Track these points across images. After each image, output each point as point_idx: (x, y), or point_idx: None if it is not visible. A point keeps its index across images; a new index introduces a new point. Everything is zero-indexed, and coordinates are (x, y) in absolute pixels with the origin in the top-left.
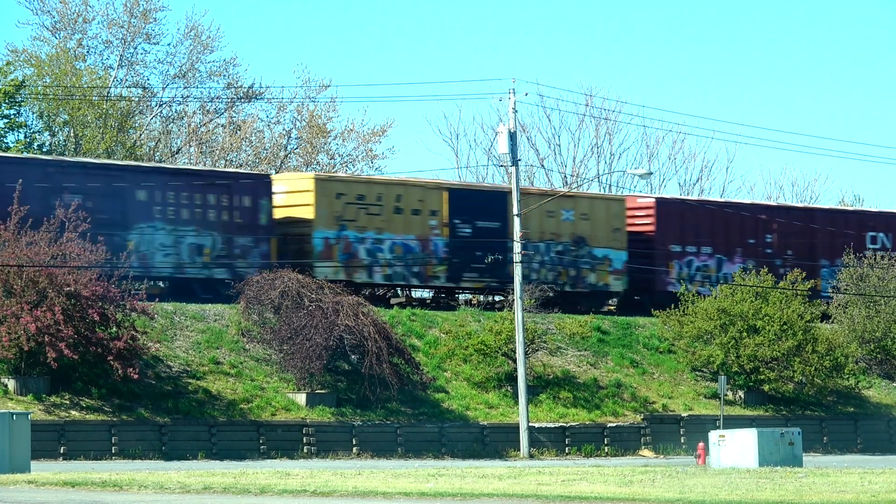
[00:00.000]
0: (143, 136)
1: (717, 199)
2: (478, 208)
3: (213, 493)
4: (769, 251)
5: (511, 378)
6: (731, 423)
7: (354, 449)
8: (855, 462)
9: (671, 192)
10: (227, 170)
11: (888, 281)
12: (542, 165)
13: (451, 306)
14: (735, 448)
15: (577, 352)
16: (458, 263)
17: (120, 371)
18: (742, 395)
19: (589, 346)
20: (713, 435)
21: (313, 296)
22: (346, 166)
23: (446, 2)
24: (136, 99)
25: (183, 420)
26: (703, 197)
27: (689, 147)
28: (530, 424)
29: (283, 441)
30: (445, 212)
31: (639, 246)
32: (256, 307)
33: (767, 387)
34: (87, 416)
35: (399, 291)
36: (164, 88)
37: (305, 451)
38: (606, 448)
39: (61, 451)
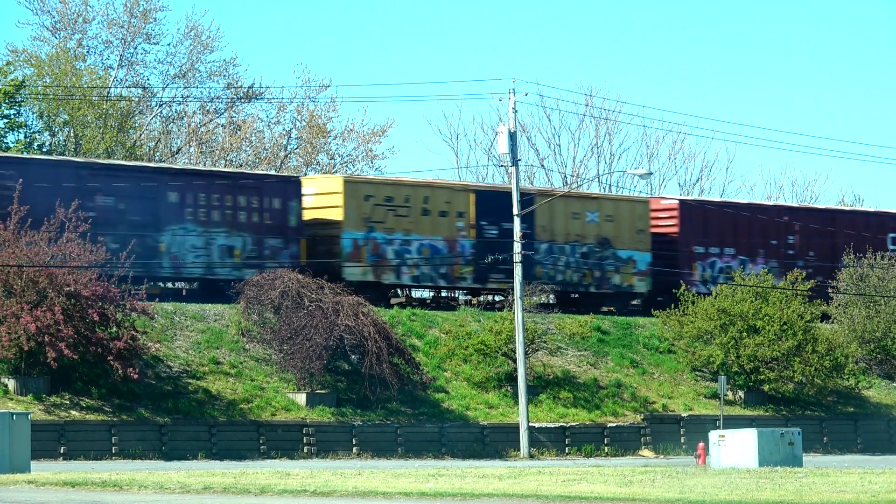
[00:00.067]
0: (143, 136)
1: (741, 200)
2: (504, 210)
3: (213, 493)
4: (791, 252)
5: (511, 378)
6: (731, 423)
7: (354, 449)
8: (855, 462)
9: (671, 192)
10: (257, 172)
11: (888, 281)
12: (542, 165)
13: (451, 306)
14: (735, 448)
15: (577, 352)
16: (485, 265)
17: (120, 371)
18: (742, 395)
19: (589, 346)
20: (713, 435)
21: (313, 296)
22: (346, 166)
23: (446, 2)
24: (136, 99)
25: (183, 420)
26: (726, 198)
27: (689, 147)
28: (530, 424)
29: (283, 441)
30: (472, 213)
31: (662, 247)
32: (256, 307)
33: (767, 387)
34: (87, 416)
35: (399, 292)
36: (164, 88)
37: (305, 451)
38: (606, 448)
39: (61, 451)
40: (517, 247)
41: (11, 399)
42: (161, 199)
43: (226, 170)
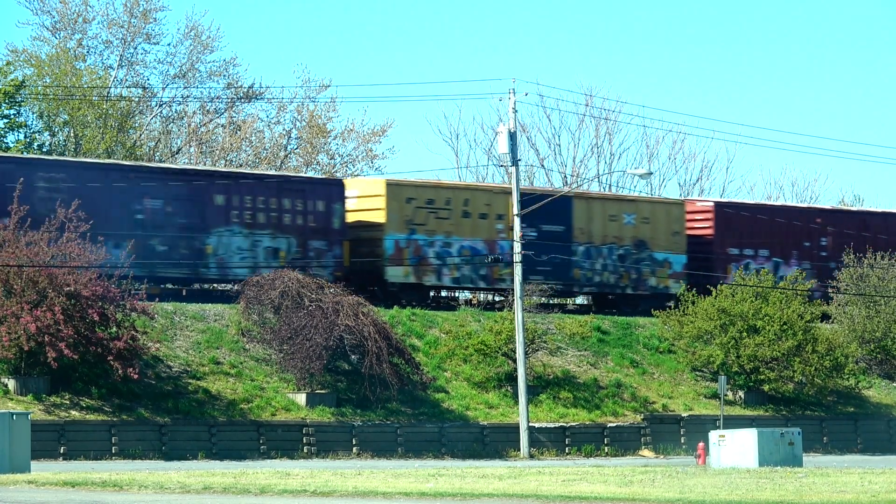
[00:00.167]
0: (143, 136)
1: (775, 202)
2: (542, 212)
3: (213, 493)
4: (824, 254)
5: (511, 378)
6: (731, 423)
7: (354, 449)
8: (855, 462)
9: (671, 192)
10: (302, 175)
11: (888, 281)
12: (542, 165)
13: (451, 306)
14: (735, 448)
15: (577, 352)
16: (525, 266)
17: (120, 371)
18: (742, 395)
19: (589, 346)
20: (713, 435)
21: (313, 296)
22: (346, 166)
23: (446, 2)
24: (136, 99)
25: (183, 420)
26: (761, 201)
27: (689, 147)
28: (530, 424)
29: (283, 441)
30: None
31: (697, 249)
32: (256, 307)
33: (767, 387)
34: (87, 416)
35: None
36: (164, 88)
37: (305, 451)
38: (606, 448)
39: (61, 451)
40: (517, 247)
41: (11, 399)
42: (208, 201)
43: (271, 173)
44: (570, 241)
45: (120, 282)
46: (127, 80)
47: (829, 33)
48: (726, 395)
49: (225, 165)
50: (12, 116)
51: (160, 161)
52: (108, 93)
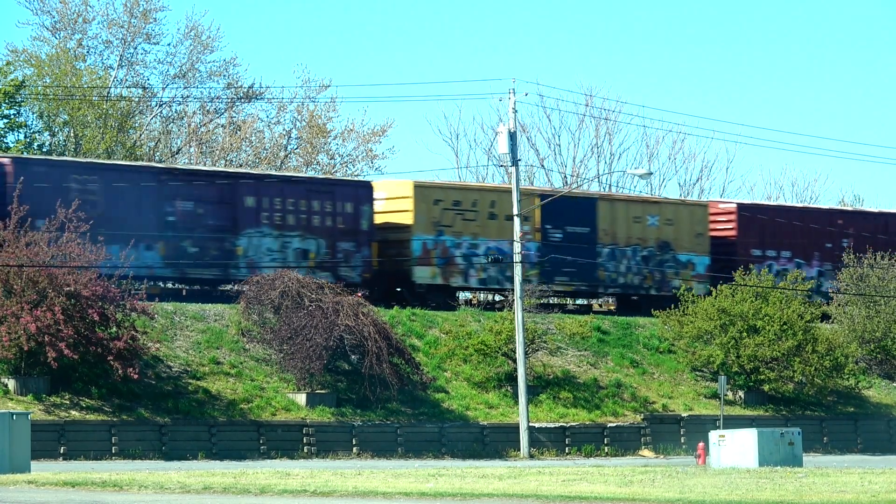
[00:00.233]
0: (143, 136)
1: (797, 204)
2: (568, 214)
3: (213, 493)
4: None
5: (511, 378)
6: (731, 423)
7: (354, 449)
8: (855, 462)
9: (671, 192)
10: (330, 177)
11: (888, 281)
12: (542, 165)
13: (451, 306)
14: (735, 448)
15: (577, 352)
16: (550, 267)
17: (120, 371)
18: (742, 395)
19: (589, 346)
20: (713, 435)
21: (313, 296)
22: (346, 166)
23: (446, 2)
24: (136, 99)
25: (183, 420)
26: (783, 202)
27: (689, 147)
28: (530, 424)
29: (283, 441)
30: (538, 217)
31: (721, 250)
32: (256, 307)
33: (767, 387)
34: (87, 416)
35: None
36: (164, 88)
37: (305, 451)
38: (606, 448)
39: (61, 451)
40: (517, 247)
41: (11, 399)
42: (238, 203)
43: (302, 175)
44: (594, 242)
45: (119, 282)
46: (127, 80)
47: (829, 33)
48: (726, 395)
49: (225, 165)
50: (12, 116)
51: (160, 161)
52: (108, 93)
